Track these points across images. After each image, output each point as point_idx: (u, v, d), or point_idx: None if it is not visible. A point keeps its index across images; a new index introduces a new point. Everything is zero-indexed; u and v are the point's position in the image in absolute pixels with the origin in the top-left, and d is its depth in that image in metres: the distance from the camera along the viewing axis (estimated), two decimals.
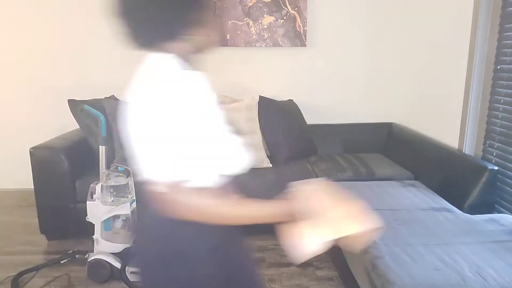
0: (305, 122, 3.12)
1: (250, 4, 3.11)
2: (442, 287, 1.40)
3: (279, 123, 2.94)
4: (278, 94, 3.27)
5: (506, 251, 1.63)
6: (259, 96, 2.94)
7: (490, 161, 2.28)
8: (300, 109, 3.14)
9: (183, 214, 0.88)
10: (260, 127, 2.88)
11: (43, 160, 2.50)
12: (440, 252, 1.61)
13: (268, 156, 2.88)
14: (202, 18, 0.92)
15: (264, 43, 3.18)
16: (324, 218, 0.81)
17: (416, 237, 1.74)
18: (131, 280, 2.09)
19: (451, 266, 1.51)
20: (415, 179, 2.62)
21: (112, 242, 2.18)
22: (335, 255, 2.30)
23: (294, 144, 2.93)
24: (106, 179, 2.12)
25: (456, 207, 2.11)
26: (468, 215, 2.00)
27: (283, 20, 3.14)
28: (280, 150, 2.88)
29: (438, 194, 2.31)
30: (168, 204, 0.88)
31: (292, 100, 3.21)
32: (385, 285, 1.43)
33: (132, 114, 0.90)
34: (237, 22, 3.13)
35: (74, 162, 2.56)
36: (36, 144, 2.55)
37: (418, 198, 2.23)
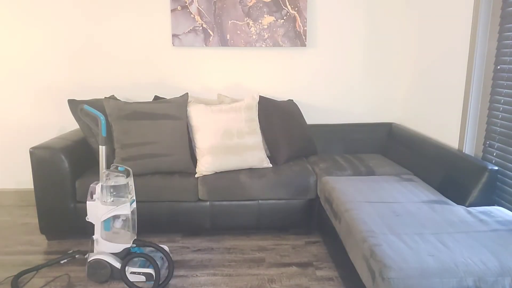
0: (305, 122, 3.12)
1: (250, 4, 3.11)
2: (435, 270, 1.48)
3: (279, 123, 2.94)
4: (278, 94, 3.27)
5: (494, 239, 1.72)
6: (259, 96, 2.94)
7: (490, 161, 2.27)
8: (300, 109, 3.14)
9: None
10: (260, 127, 2.88)
11: (43, 160, 2.50)
12: (434, 241, 1.70)
13: (268, 156, 2.88)
14: None
15: (264, 43, 3.18)
16: None
17: (412, 227, 1.83)
18: (131, 280, 2.10)
19: (444, 252, 1.60)
20: None
21: (112, 242, 2.18)
22: (335, 255, 2.30)
23: (294, 144, 2.93)
24: (106, 179, 2.12)
25: None
26: (462, 207, 2.08)
27: (283, 20, 3.14)
28: (280, 150, 2.88)
29: None
30: None
31: (292, 100, 3.21)
32: (382, 270, 1.50)
33: None
34: (237, 22, 3.13)
35: (74, 162, 2.57)
36: (36, 144, 2.55)
37: (415, 192, 2.29)
